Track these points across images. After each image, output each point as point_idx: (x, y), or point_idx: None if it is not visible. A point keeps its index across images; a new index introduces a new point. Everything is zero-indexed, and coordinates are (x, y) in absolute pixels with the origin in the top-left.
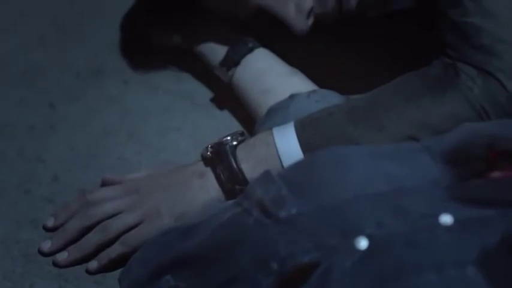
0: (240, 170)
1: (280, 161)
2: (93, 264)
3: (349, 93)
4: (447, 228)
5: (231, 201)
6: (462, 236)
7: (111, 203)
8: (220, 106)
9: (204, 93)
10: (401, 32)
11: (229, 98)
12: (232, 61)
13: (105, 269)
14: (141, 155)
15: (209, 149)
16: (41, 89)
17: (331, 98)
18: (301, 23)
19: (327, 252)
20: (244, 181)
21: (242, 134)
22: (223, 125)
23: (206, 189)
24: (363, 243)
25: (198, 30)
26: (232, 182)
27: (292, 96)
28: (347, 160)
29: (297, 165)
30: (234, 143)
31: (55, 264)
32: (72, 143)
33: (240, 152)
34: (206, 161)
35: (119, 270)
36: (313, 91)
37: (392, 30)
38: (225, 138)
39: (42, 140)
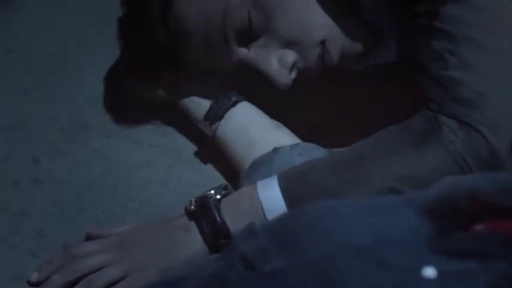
0: (224, 223)
1: (264, 215)
2: None
3: (331, 146)
4: (430, 281)
5: (215, 255)
6: None
7: (96, 257)
8: (204, 160)
9: (188, 147)
10: (383, 85)
11: (213, 151)
12: (215, 115)
13: None
14: (125, 209)
15: (193, 202)
16: (25, 144)
17: (314, 151)
18: (283, 77)
19: None
20: (228, 235)
21: (226, 188)
22: (207, 179)
23: (190, 243)
24: None
25: (181, 84)
26: (216, 235)
27: (275, 150)
28: (330, 213)
29: (281, 218)
30: (218, 196)
31: None
32: (56, 198)
33: (224, 206)
34: (190, 214)
35: None
36: (296, 144)
37: (374, 84)
38: (208, 192)
39: (27, 194)
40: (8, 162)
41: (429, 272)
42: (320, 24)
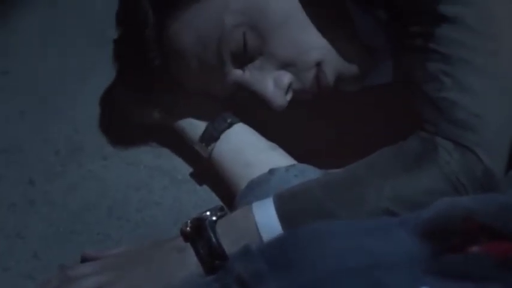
0: (220, 245)
1: (260, 236)
2: None
3: (327, 167)
4: None
5: (211, 277)
6: None
7: (92, 279)
8: (200, 181)
9: (184, 169)
10: (379, 106)
11: (208, 173)
12: (211, 136)
13: None
14: (121, 230)
15: (189, 224)
16: (20, 166)
17: (310, 173)
18: (279, 98)
19: None
20: (223, 256)
21: (221, 209)
22: (203, 200)
23: (186, 264)
24: None
25: (177, 106)
26: (212, 257)
27: (271, 171)
28: (326, 236)
29: (277, 240)
30: (214, 218)
31: None
32: (52, 219)
33: (220, 227)
34: (186, 236)
35: None
36: (292, 166)
37: (369, 105)
38: (204, 213)
39: (22, 216)
40: (3, 184)
41: None
42: (315, 46)
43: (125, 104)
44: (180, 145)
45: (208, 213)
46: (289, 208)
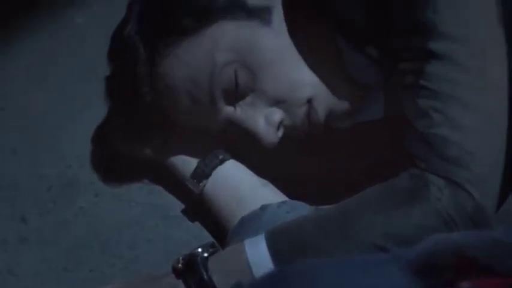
0: (211, 281)
1: (252, 273)
2: None
3: (318, 203)
4: None
5: None
6: None
7: None
8: (192, 218)
9: (176, 205)
10: (370, 142)
11: (200, 209)
12: (203, 173)
13: None
14: (113, 267)
15: (180, 260)
16: (13, 202)
17: (301, 209)
18: (270, 135)
19: None
20: None
21: (213, 246)
22: (195, 237)
23: None
24: None
25: (168, 142)
26: None
27: (263, 207)
28: (317, 273)
29: (268, 277)
30: (205, 254)
31: None
32: (44, 256)
33: (212, 264)
34: (177, 272)
35: None
36: (284, 202)
37: (360, 141)
38: (196, 250)
39: (14, 253)
40: None
41: None
42: (306, 83)
43: (116, 141)
44: (172, 182)
45: (200, 249)
46: (280, 245)
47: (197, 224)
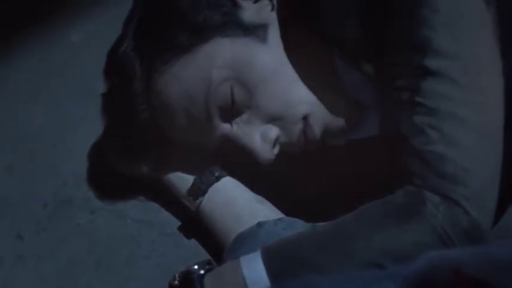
0: None
1: None
2: None
3: (314, 220)
4: None
5: None
6: None
7: None
8: (188, 235)
9: (172, 222)
10: (366, 159)
11: (196, 226)
12: (199, 190)
13: None
14: (109, 284)
15: (177, 277)
16: (8, 220)
17: (298, 226)
18: (266, 152)
19: None
20: None
21: (209, 263)
22: (191, 254)
23: None
24: None
25: (164, 160)
26: None
27: (259, 224)
28: None
29: None
30: (202, 271)
31: None
32: (40, 274)
33: (208, 281)
34: None
35: None
36: (280, 219)
37: (356, 158)
38: (192, 267)
39: (11, 270)
40: None
41: None
42: (302, 100)
43: (112, 158)
44: (168, 199)
45: (196, 266)
46: (277, 262)
47: (193, 241)
